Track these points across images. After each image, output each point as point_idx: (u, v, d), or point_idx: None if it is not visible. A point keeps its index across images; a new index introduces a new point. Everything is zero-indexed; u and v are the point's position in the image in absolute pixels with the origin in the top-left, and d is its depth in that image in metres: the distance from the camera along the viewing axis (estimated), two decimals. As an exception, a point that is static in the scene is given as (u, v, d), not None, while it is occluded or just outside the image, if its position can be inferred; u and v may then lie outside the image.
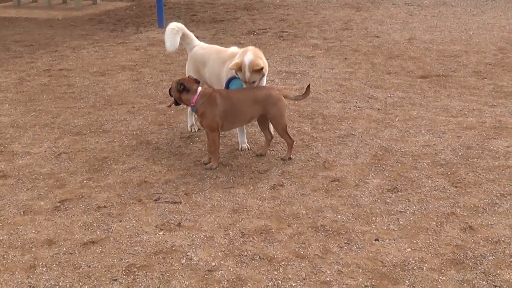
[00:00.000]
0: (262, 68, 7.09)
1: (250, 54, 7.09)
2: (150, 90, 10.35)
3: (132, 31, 15.51)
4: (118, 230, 5.93)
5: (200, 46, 8.14)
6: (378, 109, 9.06)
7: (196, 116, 7.60)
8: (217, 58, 7.71)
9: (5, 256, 5.56)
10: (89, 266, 5.34)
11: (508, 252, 5.34)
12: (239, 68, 7.07)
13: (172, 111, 9.03)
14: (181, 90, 7.02)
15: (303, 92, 7.48)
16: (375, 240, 5.59)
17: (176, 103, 7.25)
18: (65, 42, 14.48)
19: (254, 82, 7.18)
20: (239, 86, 7.32)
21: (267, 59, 11.81)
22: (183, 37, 8.08)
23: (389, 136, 7.97)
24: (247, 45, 13.39)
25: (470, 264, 5.18)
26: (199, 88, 7.06)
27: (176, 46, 8.04)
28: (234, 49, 7.67)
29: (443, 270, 5.10)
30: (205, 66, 7.84)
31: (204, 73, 7.87)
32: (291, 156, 7.34)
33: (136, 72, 11.59)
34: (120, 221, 6.09)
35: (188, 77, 7.24)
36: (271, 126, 7.42)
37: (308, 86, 7.40)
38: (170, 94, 7.27)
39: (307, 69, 11.30)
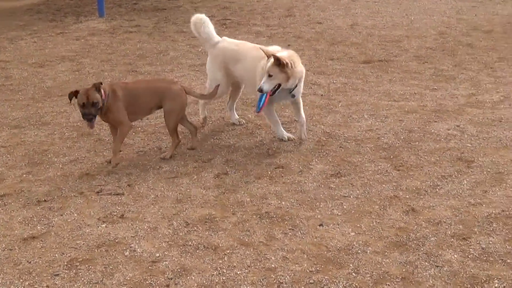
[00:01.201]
0: (284, 64, 6.80)
1: (285, 52, 7.08)
2: (91, 81, 10.17)
3: (72, 21, 15.27)
4: (59, 224, 5.84)
5: (229, 42, 7.85)
6: (321, 95, 9.10)
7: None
8: (257, 56, 7.31)
9: None
10: (30, 262, 5.24)
11: (449, 233, 5.43)
12: (268, 55, 6.95)
13: (65, 112, 8.81)
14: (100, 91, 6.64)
15: (211, 91, 7.42)
16: (319, 225, 5.61)
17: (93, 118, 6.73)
18: (2, 33, 14.17)
19: (272, 78, 6.89)
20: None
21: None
22: (203, 31, 7.86)
23: (332, 122, 8.01)
24: (189, 33, 13.36)
25: (413, 245, 5.25)
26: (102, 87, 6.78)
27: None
28: (275, 47, 7.38)
29: (386, 253, 5.16)
30: (238, 63, 7.57)
31: (235, 70, 7.60)
32: (172, 155, 7.18)
33: (76, 62, 11.42)
34: (61, 215, 5.99)
35: (75, 91, 6.70)
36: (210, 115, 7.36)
37: (217, 86, 7.36)
38: (93, 118, 6.69)
39: (250, 57, 11.27)
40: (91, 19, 15.39)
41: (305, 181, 6.47)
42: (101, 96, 6.64)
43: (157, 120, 8.19)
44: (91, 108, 6.58)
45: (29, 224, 5.84)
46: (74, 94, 6.63)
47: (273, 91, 6.98)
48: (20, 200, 6.31)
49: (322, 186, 6.35)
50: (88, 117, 6.63)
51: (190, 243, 5.42)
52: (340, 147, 7.24)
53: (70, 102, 6.85)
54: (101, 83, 6.70)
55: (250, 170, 6.75)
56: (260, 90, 6.89)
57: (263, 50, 7.01)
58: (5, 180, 6.77)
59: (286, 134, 7.47)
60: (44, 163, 7.16)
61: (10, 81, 10.35)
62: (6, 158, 7.31)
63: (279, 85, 6.95)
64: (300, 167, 6.76)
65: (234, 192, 6.31)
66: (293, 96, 7.21)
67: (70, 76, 10.55)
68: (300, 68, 7.07)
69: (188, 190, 6.38)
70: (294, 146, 7.28)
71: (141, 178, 6.66)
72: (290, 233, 5.51)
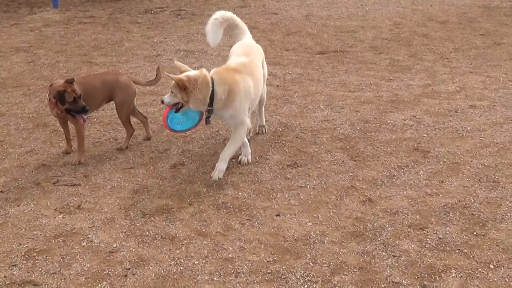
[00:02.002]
0: (183, 88, 6.03)
1: (197, 74, 6.13)
2: (46, 72, 10.08)
3: (26, 12, 15.05)
4: (16, 214, 5.78)
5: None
6: (277, 85, 9.13)
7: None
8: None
9: None
10: (-14, 253, 5.19)
11: (406, 222, 5.49)
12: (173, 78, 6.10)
13: (20, 103, 8.63)
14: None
15: (155, 76, 7.36)
16: (276, 215, 5.64)
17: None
18: (-45, 23, 13.94)
19: (173, 95, 6.15)
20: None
21: (164, 38, 11.73)
22: (232, 27, 7.31)
23: (289, 112, 8.04)
24: (144, 24, 13.31)
25: (370, 235, 5.30)
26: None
27: (218, 40, 7.19)
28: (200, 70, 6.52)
29: (343, 243, 5.20)
30: None
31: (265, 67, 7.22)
32: (128, 145, 7.16)
33: (31, 53, 11.27)
34: (18, 206, 5.93)
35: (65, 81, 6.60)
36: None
37: (158, 68, 7.33)
38: (87, 108, 6.57)
39: (206, 47, 11.25)
40: (45, 10, 15.19)
41: (262, 171, 6.49)
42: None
43: (113, 111, 8.10)
44: (81, 100, 6.52)
45: (-15, 216, 5.78)
46: (59, 93, 6.48)
47: (177, 109, 6.22)
48: (-24, 191, 6.24)
49: (279, 176, 6.37)
50: (85, 109, 6.55)
51: (147, 233, 5.41)
52: (297, 137, 7.28)
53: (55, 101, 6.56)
54: (73, 79, 6.59)
55: (206, 161, 6.75)
56: (162, 101, 6.29)
57: (170, 77, 6.10)
58: (-41, 171, 6.68)
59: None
60: (0, 154, 7.08)
61: (-36, 72, 10.19)
62: (-41, 149, 7.21)
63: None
64: (257, 158, 6.77)
65: (190, 182, 6.30)
66: (207, 122, 6.43)
67: (25, 67, 10.40)
68: (202, 94, 6.07)
69: (144, 181, 6.36)
70: (250, 137, 7.28)
71: (97, 169, 6.62)
72: (247, 224, 5.53)
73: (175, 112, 6.27)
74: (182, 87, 6.00)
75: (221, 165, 6.24)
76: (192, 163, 6.73)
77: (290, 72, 9.76)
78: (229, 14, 7.21)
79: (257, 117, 7.46)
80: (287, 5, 15.23)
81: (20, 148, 7.21)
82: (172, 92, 6.14)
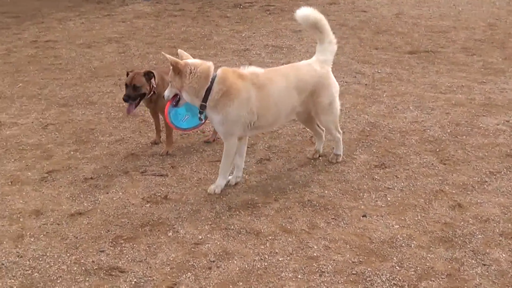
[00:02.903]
0: (175, 67, 5.72)
1: (206, 63, 5.88)
2: (136, 63, 10.24)
3: (118, 4, 15.34)
4: (105, 201, 5.88)
5: None
6: (366, 84, 9.02)
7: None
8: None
9: (-8, 226, 5.52)
10: (76, 237, 5.29)
11: (497, 231, 5.31)
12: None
13: (111, 92, 8.82)
14: (150, 78, 6.62)
15: None
16: (363, 216, 5.56)
17: (138, 104, 6.67)
18: (51, 13, 14.31)
19: (171, 86, 5.86)
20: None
21: (253, 33, 11.75)
22: (316, 30, 6.37)
23: (377, 112, 7.93)
24: (233, 18, 13.36)
25: (459, 242, 5.15)
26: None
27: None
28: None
29: (431, 248, 5.08)
30: None
31: None
32: (215, 138, 7.12)
33: (122, 44, 11.47)
34: (107, 193, 6.04)
35: (132, 71, 6.73)
36: None
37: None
38: (132, 97, 6.57)
39: (294, 44, 11.22)
40: (136, 2, 15.44)
41: (349, 171, 6.42)
42: (151, 85, 6.63)
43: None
44: (131, 90, 6.57)
45: (76, 200, 5.91)
46: (128, 73, 6.72)
47: (176, 102, 5.94)
48: (68, 176, 6.38)
49: (366, 176, 6.29)
50: (124, 98, 6.61)
51: (232, 227, 5.42)
52: (385, 138, 7.17)
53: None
54: (153, 73, 6.66)
55: (293, 157, 6.73)
56: (163, 96, 6.10)
57: (166, 57, 5.84)
58: (53, 156, 6.85)
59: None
60: (91, 141, 7.22)
61: (59, 61, 10.45)
62: (54, 135, 7.39)
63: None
64: (344, 157, 6.69)
65: (276, 178, 6.29)
66: (200, 118, 6.02)
67: (116, 57, 10.60)
68: (198, 85, 5.74)
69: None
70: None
71: (184, 160, 6.68)
72: (332, 223, 5.47)
73: (174, 106, 6.00)
74: (176, 70, 5.68)
75: (219, 181, 6.04)
76: (278, 159, 6.71)
77: (379, 71, 9.63)
78: (318, 15, 6.33)
79: (334, 146, 6.70)
80: (377, 3, 15.02)
81: (110, 137, 7.34)
82: (170, 82, 5.85)
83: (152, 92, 6.68)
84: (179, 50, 6.06)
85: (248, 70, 5.99)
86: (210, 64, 5.85)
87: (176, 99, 5.91)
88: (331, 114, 6.32)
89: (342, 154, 6.59)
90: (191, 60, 5.86)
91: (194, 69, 5.71)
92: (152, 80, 6.65)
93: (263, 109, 5.92)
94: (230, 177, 6.20)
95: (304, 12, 6.33)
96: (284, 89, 6.02)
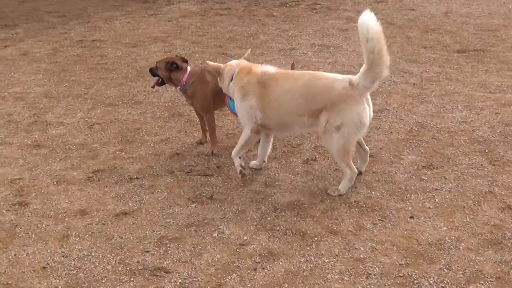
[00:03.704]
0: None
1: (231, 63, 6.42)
2: (183, 62, 10.29)
3: (164, 3, 15.42)
4: (150, 201, 5.93)
5: None
6: (414, 84, 8.92)
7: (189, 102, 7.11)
8: None
9: (39, 225, 5.60)
10: (122, 237, 5.34)
11: (549, 234, 5.22)
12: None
13: (157, 91, 8.88)
14: (172, 69, 6.76)
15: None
16: (410, 217, 5.51)
17: (161, 83, 6.92)
18: (97, 13, 14.47)
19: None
20: None
21: (299, 32, 11.71)
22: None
23: (425, 112, 7.84)
24: (279, 17, 13.34)
25: (509, 244, 5.07)
26: (188, 67, 6.86)
27: None
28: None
29: (480, 250, 5.01)
30: None
31: None
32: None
33: (168, 43, 11.54)
34: (152, 193, 6.09)
35: (175, 55, 7.11)
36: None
37: (293, 64, 7.43)
38: (152, 73, 6.92)
39: (341, 43, 11.16)
40: (182, 1, 15.51)
41: (396, 171, 6.36)
42: (170, 75, 6.78)
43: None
44: (156, 68, 6.88)
45: (121, 200, 5.97)
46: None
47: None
48: (113, 176, 6.45)
49: (414, 177, 6.22)
50: (150, 70, 7.00)
51: (278, 228, 5.42)
52: (433, 138, 7.08)
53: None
54: (177, 65, 6.75)
55: (339, 158, 6.68)
56: None
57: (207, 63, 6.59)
58: (99, 156, 6.92)
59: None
60: (136, 141, 7.28)
61: (105, 60, 10.55)
62: (100, 135, 7.47)
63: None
64: (391, 157, 6.65)
65: (323, 179, 6.26)
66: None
67: (162, 56, 10.61)
68: (225, 83, 6.37)
69: (276, 175, 6.38)
70: (385, 135, 7.16)
71: (230, 161, 6.67)
72: (379, 224, 5.43)
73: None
74: (217, 73, 6.45)
75: (235, 162, 6.31)
76: (324, 159, 6.68)
77: (427, 70, 9.51)
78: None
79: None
80: (425, 1, 14.84)
81: (155, 136, 7.39)
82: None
83: (178, 85, 6.85)
84: (208, 62, 6.67)
85: (262, 68, 6.15)
86: (235, 63, 6.37)
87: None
88: (336, 141, 5.74)
89: (344, 193, 5.95)
90: (226, 64, 6.45)
91: (222, 70, 6.35)
92: (178, 73, 6.76)
93: (264, 107, 6.00)
94: (254, 162, 6.59)
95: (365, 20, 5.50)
96: (287, 92, 5.91)
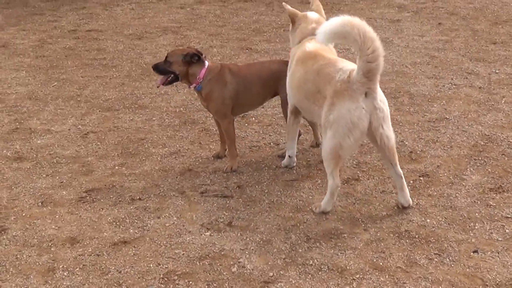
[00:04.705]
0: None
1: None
2: (197, 58, 10.36)
3: (177, -15, 15.56)
4: (155, 228, 5.96)
5: None
6: (480, 87, 8.92)
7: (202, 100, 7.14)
8: None
9: (19, 256, 5.64)
10: (120, 272, 5.38)
11: None
12: None
13: (166, 93, 8.95)
14: (192, 62, 6.77)
15: None
16: (474, 251, 5.50)
17: (172, 81, 6.91)
18: (95, -3, 14.61)
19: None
20: None
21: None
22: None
23: (493, 122, 7.83)
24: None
25: None
26: (206, 61, 6.88)
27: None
28: None
29: (560, 293, 5.01)
30: None
31: None
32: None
33: (180, 35, 11.63)
34: (159, 218, 6.13)
35: (187, 47, 7.08)
36: None
37: None
38: (160, 70, 6.88)
39: (391, 36, 11.19)
40: (199, -17, 15.62)
41: (457, 194, 6.36)
42: (188, 70, 6.78)
43: (275, 109, 8.23)
44: (164, 63, 6.82)
45: (121, 226, 6.01)
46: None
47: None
48: (111, 196, 6.50)
49: (479, 202, 6.22)
50: (152, 66, 6.95)
51: (311, 262, 5.43)
52: (503, 154, 7.08)
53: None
54: (199, 58, 6.78)
55: (387, 177, 6.69)
56: None
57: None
58: (94, 171, 6.98)
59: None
60: (140, 154, 7.33)
61: (103, 55, 10.66)
62: (96, 146, 7.53)
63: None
64: (451, 177, 6.65)
65: (366, 203, 6.28)
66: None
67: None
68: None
69: (310, 197, 6.40)
70: (443, 150, 7.16)
71: (253, 179, 6.72)
72: (436, 259, 5.42)
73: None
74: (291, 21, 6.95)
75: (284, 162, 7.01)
76: (369, 178, 6.69)
77: (497, 71, 9.51)
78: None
79: None
80: (495, -14, 14.85)
81: (163, 149, 7.44)
82: None
83: (193, 83, 6.84)
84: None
85: (310, 43, 6.57)
86: (316, 19, 6.82)
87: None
88: (327, 141, 5.96)
89: (328, 210, 6.13)
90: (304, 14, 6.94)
91: (298, 19, 6.89)
92: (197, 67, 6.77)
93: (290, 84, 6.65)
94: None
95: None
96: (304, 74, 6.37)
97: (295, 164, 6.96)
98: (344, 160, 6.30)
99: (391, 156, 6.01)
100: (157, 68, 6.88)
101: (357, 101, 5.78)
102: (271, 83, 7.00)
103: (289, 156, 6.93)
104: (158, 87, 7.16)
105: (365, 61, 5.68)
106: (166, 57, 6.85)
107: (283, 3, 7.19)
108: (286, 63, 6.98)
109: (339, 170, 6.06)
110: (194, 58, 6.74)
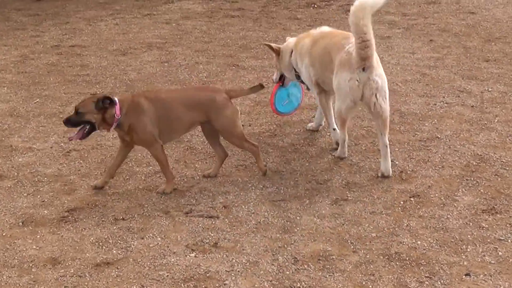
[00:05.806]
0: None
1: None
2: (183, 75, 10.39)
3: (162, 1, 15.56)
4: (139, 249, 5.96)
5: None
6: (472, 106, 8.95)
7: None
8: None
9: (-2, 277, 5.62)
10: (102, 294, 5.37)
11: None
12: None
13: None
14: (105, 107, 6.67)
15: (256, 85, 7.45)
16: (466, 275, 5.51)
17: (90, 131, 6.77)
18: (78, 11, 14.62)
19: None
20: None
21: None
22: None
23: (486, 142, 7.87)
24: (304, 21, 13.43)
25: None
26: (115, 98, 6.81)
27: None
28: None
29: (554, 317, 5.03)
30: None
31: None
32: (265, 165, 7.28)
33: (165, 51, 11.64)
34: (142, 238, 6.12)
35: (92, 94, 6.94)
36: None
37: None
38: (73, 123, 6.75)
39: (381, 53, 11.18)
40: (184, -1, 15.67)
41: (448, 216, 6.38)
42: (105, 114, 6.68)
43: (262, 127, 8.25)
44: (75, 115, 6.70)
45: (103, 247, 6.00)
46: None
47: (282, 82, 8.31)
48: (94, 216, 6.49)
49: (471, 224, 6.24)
50: (63, 120, 6.88)
51: (298, 285, 5.44)
52: (496, 175, 7.11)
53: None
54: (112, 100, 6.71)
55: (377, 198, 6.72)
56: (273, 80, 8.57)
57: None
58: (76, 190, 6.97)
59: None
60: (123, 172, 7.33)
61: (87, 71, 10.66)
62: (78, 164, 7.53)
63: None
64: (442, 198, 6.67)
65: (356, 224, 6.29)
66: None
67: (157, 68, 10.76)
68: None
69: (298, 218, 6.41)
70: (435, 170, 7.19)
71: (240, 199, 6.73)
72: (426, 282, 5.44)
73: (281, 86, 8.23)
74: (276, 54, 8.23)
75: (333, 136, 7.89)
76: (358, 199, 6.71)
77: (490, 89, 9.55)
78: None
79: None
80: (489, 2, 14.89)
81: (147, 167, 7.45)
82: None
83: (112, 125, 6.76)
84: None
85: (319, 29, 8.01)
86: (291, 39, 8.26)
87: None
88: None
89: (341, 157, 7.60)
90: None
91: (280, 49, 8.23)
92: (111, 109, 6.68)
93: (312, 62, 7.65)
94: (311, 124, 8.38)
95: None
96: (322, 49, 7.59)
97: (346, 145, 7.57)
98: (348, 119, 7.37)
99: (382, 126, 7.11)
100: (70, 122, 6.77)
101: (352, 73, 6.91)
102: (197, 108, 6.94)
103: (333, 129, 7.80)
104: (70, 140, 7.08)
105: (358, 48, 6.78)
106: (77, 109, 6.69)
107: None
108: (218, 92, 7.08)
109: (347, 127, 7.38)
110: (105, 102, 6.66)
